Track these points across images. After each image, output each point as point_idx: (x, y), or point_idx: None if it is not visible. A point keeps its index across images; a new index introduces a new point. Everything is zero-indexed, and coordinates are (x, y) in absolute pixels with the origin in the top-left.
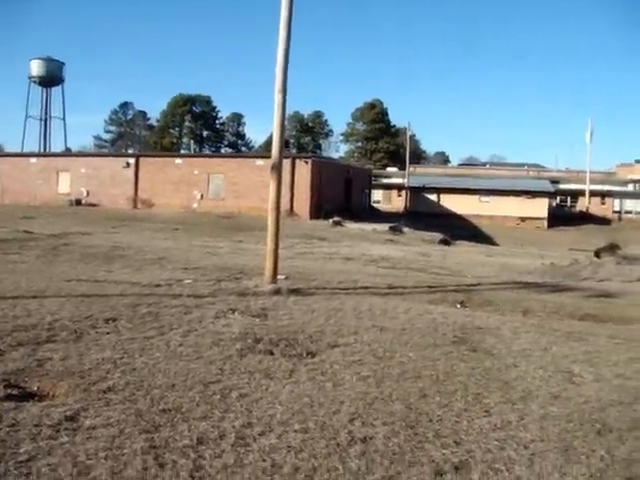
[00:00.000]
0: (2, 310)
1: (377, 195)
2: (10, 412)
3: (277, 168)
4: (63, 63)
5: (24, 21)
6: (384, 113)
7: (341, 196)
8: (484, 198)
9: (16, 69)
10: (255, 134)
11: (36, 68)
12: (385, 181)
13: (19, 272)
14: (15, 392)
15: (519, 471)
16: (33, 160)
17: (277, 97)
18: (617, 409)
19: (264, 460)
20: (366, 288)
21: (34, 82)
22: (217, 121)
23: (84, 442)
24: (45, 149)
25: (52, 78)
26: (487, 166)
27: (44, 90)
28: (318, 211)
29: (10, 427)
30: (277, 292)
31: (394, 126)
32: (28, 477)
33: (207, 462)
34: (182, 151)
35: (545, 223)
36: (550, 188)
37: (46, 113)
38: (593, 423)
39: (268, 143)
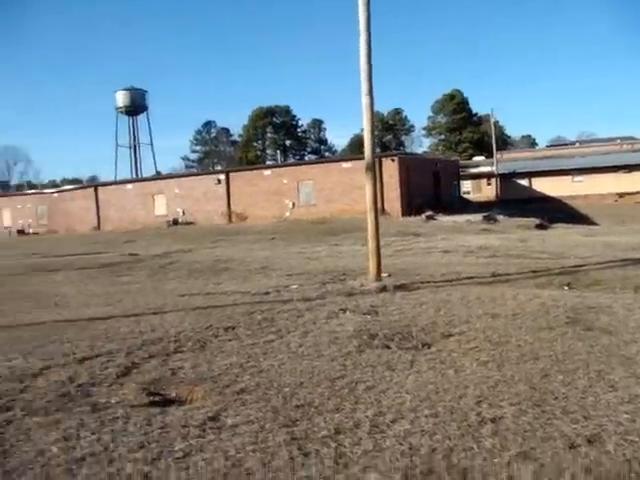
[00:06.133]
0: (128, 327)
1: (466, 186)
2: (157, 416)
3: (371, 168)
4: (145, 91)
5: (107, 54)
6: (465, 102)
7: (430, 190)
8: (577, 177)
9: (103, 101)
10: (336, 138)
11: (121, 99)
12: (473, 171)
13: (134, 292)
14: (157, 399)
15: None
16: (129, 187)
17: (364, 99)
18: None
19: (401, 444)
20: (470, 278)
21: (121, 112)
22: (298, 129)
23: (230, 438)
24: (137, 175)
25: (137, 107)
26: (577, 144)
27: (130, 119)
28: (409, 207)
29: (161, 429)
30: (383, 289)
31: (476, 114)
32: (187, 470)
33: (348, 449)
34: (267, 162)
35: None
36: None
37: (134, 140)
38: None
39: (351, 145)
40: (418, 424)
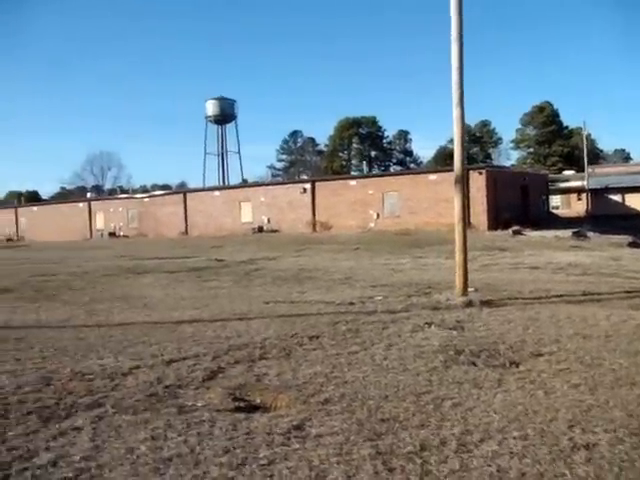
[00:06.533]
0: (215, 331)
1: (555, 201)
2: (243, 422)
3: (460, 181)
4: (234, 100)
5: (198, 63)
6: (555, 115)
7: (518, 204)
8: None
9: (193, 110)
10: (422, 150)
11: (211, 108)
12: (562, 185)
13: (220, 297)
14: (242, 405)
15: None
16: (217, 194)
17: (455, 111)
18: None
19: (489, 465)
20: (559, 296)
21: (210, 121)
22: (384, 140)
23: (315, 448)
24: (224, 182)
25: (226, 115)
26: None
27: (219, 127)
28: (495, 221)
29: (246, 435)
30: (469, 304)
31: (567, 127)
32: (272, 478)
33: (434, 467)
34: (352, 173)
35: None
36: None
37: (222, 148)
38: None
39: (437, 157)
40: (506, 445)
